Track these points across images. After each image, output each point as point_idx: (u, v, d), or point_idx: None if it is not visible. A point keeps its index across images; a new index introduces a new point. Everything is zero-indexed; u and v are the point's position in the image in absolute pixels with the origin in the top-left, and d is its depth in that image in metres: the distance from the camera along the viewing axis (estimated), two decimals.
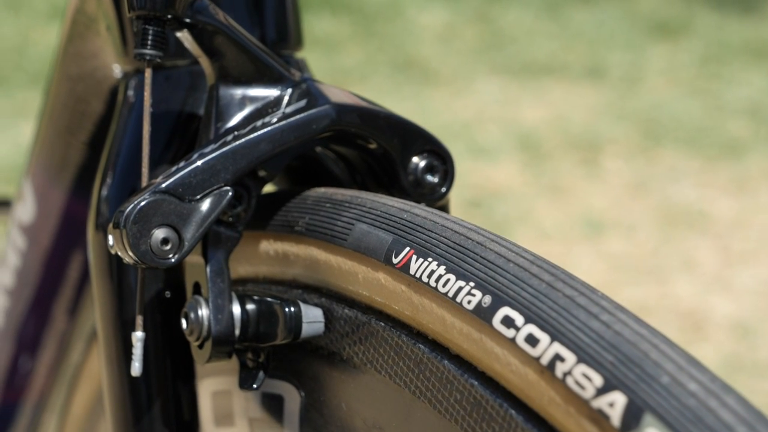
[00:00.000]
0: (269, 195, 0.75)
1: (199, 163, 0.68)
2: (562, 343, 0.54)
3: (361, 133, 0.71)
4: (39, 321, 1.05)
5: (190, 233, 0.67)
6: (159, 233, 0.66)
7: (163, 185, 0.67)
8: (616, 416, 0.52)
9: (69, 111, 0.92)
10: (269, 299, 0.69)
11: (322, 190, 0.72)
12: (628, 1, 4.10)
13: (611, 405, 0.52)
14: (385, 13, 3.95)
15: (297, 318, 0.68)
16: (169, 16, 0.68)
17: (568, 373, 0.54)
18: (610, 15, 4.00)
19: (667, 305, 2.49)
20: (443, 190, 0.74)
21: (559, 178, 3.03)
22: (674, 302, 2.49)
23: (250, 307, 0.68)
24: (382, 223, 0.65)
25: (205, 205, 0.67)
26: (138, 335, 0.68)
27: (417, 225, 0.64)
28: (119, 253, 0.67)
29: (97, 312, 0.76)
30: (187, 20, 0.68)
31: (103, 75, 0.87)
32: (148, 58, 0.68)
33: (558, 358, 0.54)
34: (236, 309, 0.68)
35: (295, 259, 0.71)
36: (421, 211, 0.65)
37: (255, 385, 0.70)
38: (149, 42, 0.68)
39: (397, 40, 3.81)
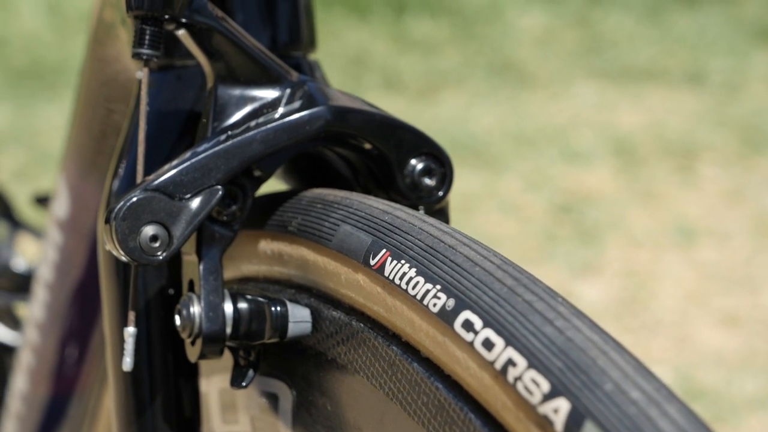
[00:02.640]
0: (269, 195, 0.75)
1: (191, 161, 0.69)
2: (516, 348, 0.54)
3: (356, 135, 0.72)
4: (82, 313, 1.07)
5: (179, 231, 0.68)
6: (148, 230, 0.67)
7: (154, 183, 0.68)
8: (559, 422, 0.51)
9: (98, 116, 0.94)
10: (259, 298, 0.70)
11: (317, 191, 0.73)
12: (733, 6, 4.03)
13: (556, 411, 0.52)
14: (485, 15, 3.94)
15: (283, 317, 0.69)
16: (167, 16, 0.69)
17: (519, 378, 0.54)
18: (714, 20, 3.94)
19: (758, 316, 2.45)
20: (440, 193, 0.74)
21: (652, 184, 3.00)
22: (765, 313, 2.45)
23: (241, 305, 0.69)
24: (365, 224, 0.66)
25: (195, 203, 0.68)
26: (130, 330, 0.69)
27: (396, 227, 0.64)
28: (111, 250, 0.68)
29: (103, 306, 0.77)
30: (184, 20, 0.69)
31: (125, 78, 0.88)
32: (145, 57, 0.69)
33: (510, 362, 0.54)
34: (228, 307, 0.69)
35: (289, 259, 0.71)
36: (402, 213, 0.66)
37: (244, 383, 0.71)
38: (146, 42, 0.69)
39: (495, 43, 3.80)
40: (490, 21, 3.93)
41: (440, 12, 3.95)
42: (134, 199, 0.67)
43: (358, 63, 3.62)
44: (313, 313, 0.69)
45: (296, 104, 0.71)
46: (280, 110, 0.71)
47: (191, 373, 0.77)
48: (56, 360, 1.11)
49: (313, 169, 0.78)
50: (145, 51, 0.69)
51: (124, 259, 0.68)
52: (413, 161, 0.73)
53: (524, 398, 0.53)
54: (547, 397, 0.52)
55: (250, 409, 0.76)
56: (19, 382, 1.14)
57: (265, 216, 0.74)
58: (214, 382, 0.79)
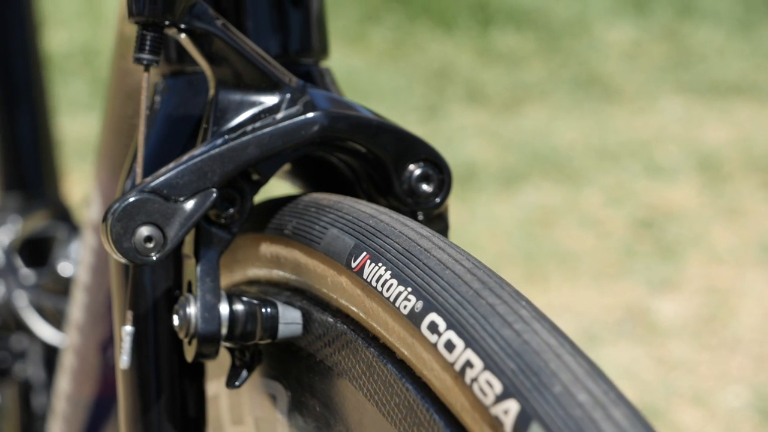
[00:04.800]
0: (272, 200, 0.76)
1: (186, 165, 0.70)
2: (474, 350, 0.55)
3: (352, 140, 0.72)
4: None
5: (173, 232, 0.69)
6: (143, 231, 0.69)
7: (150, 185, 0.69)
8: (509, 424, 0.52)
9: (125, 128, 0.96)
10: (253, 299, 0.71)
11: (314, 195, 0.74)
12: None
13: (506, 412, 0.52)
14: (572, 29, 3.92)
15: (273, 318, 0.70)
16: (167, 22, 0.70)
17: (475, 379, 0.54)
18: None
19: None
20: (438, 200, 0.74)
21: (737, 200, 2.96)
22: None
23: (237, 306, 0.70)
24: (351, 228, 0.67)
25: (190, 205, 0.70)
26: (127, 329, 0.71)
27: (378, 231, 0.65)
28: (107, 250, 0.70)
29: (113, 306, 0.79)
30: (184, 26, 0.71)
31: None
32: (145, 62, 0.70)
33: (468, 364, 0.55)
34: (224, 308, 0.70)
35: (285, 262, 0.72)
36: (386, 217, 0.66)
37: (237, 383, 0.72)
38: (147, 47, 0.70)
39: (581, 57, 3.78)
40: (577, 34, 3.91)
41: (526, 25, 3.94)
42: (129, 200, 0.69)
43: (442, 76, 3.62)
44: (304, 315, 0.70)
45: (295, 109, 0.72)
46: (279, 115, 0.72)
47: (196, 374, 0.79)
48: (98, 361, 1.13)
49: (322, 174, 0.79)
50: (146, 56, 0.70)
51: (119, 259, 0.69)
52: (411, 167, 0.73)
53: (479, 399, 0.54)
54: (499, 399, 0.53)
55: (254, 410, 0.77)
56: (63, 383, 1.17)
57: (266, 220, 0.75)
58: (224, 383, 0.80)
